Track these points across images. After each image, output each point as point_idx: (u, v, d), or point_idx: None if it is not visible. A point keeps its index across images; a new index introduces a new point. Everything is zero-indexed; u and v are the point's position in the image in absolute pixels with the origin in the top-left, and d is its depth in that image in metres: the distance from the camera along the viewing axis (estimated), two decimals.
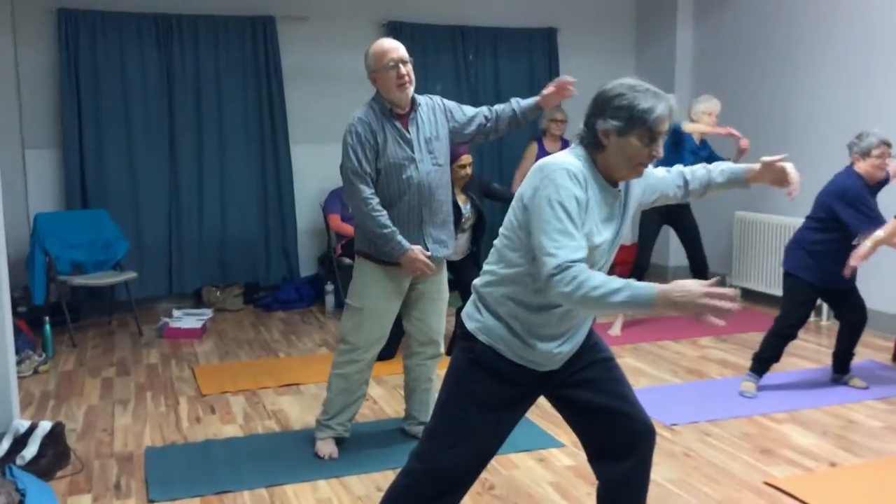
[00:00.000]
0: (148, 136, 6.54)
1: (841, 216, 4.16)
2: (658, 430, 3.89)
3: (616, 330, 5.76)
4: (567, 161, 2.11)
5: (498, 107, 3.59)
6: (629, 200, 2.28)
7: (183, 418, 4.19)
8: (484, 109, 3.59)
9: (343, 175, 3.45)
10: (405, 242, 3.37)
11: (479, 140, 3.66)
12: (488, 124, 3.57)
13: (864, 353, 5.15)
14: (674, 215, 5.84)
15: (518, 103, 3.58)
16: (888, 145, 4.19)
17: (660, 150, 2.13)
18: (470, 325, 2.27)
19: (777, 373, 4.76)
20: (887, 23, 5.54)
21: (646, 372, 4.90)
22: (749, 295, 6.76)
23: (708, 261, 6.05)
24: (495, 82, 7.49)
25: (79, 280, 5.85)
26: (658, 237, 5.94)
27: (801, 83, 6.27)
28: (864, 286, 4.84)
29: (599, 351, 2.40)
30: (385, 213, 3.37)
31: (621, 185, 2.23)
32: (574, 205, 2.03)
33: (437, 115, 3.52)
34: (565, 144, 6.92)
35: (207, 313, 6.22)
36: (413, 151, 3.40)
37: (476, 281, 2.32)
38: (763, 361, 4.43)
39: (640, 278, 5.80)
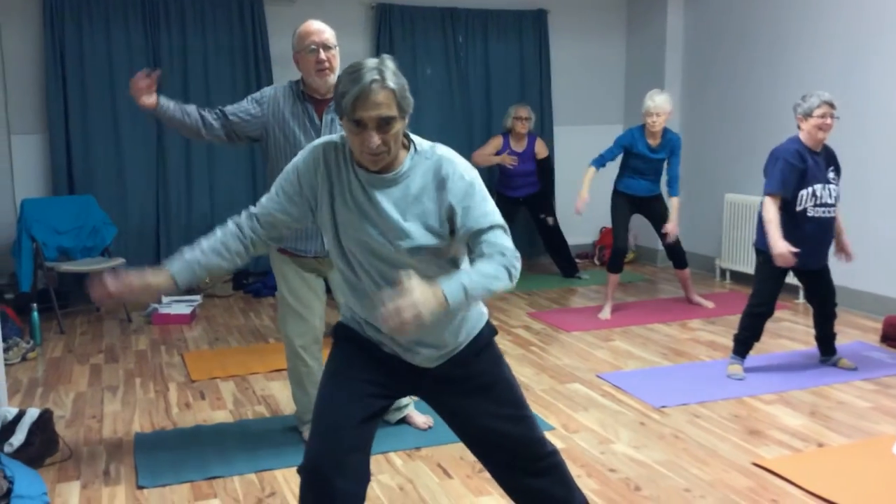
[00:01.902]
0: (135, 121, 6.48)
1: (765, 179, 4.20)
2: (647, 412, 3.93)
3: (606, 314, 5.76)
4: (332, 137, 2.17)
5: None
6: (395, 196, 2.07)
7: (172, 404, 4.18)
8: None
9: None
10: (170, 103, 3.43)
11: None
12: None
13: (853, 335, 5.17)
14: (643, 205, 5.85)
15: None
16: (831, 106, 4.16)
17: (371, 141, 1.94)
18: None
19: (765, 354, 4.77)
20: (877, 5, 5.53)
21: (635, 354, 4.91)
22: (738, 277, 6.77)
23: (696, 244, 6.06)
24: (485, 64, 7.46)
25: (66, 266, 5.81)
26: (645, 222, 5.95)
27: (791, 66, 6.26)
28: (851, 267, 4.85)
29: (479, 375, 2.23)
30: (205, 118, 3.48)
31: (399, 176, 2.06)
32: (289, 170, 2.19)
33: None
34: (532, 141, 6.88)
35: (197, 299, 6.20)
36: (320, 135, 3.30)
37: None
38: (742, 343, 4.43)
39: (620, 260, 5.82)
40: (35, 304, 5.36)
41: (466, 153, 6.04)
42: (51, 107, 6.25)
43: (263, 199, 2.23)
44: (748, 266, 6.58)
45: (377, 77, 1.94)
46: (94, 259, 6.00)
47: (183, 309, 5.91)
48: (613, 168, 5.90)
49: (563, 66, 7.77)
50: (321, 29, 3.34)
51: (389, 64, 2.00)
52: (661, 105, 5.53)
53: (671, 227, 5.71)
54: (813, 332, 4.63)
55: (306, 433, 3.61)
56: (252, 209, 2.25)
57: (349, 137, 2.02)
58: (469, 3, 7.34)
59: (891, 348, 4.92)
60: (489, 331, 2.28)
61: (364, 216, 2.09)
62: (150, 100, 3.33)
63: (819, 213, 4.20)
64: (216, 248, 2.23)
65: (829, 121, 4.16)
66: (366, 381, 2.17)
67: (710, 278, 7.01)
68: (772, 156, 4.26)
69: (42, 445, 3.46)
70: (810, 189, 4.16)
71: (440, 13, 7.26)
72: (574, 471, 3.27)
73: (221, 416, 3.99)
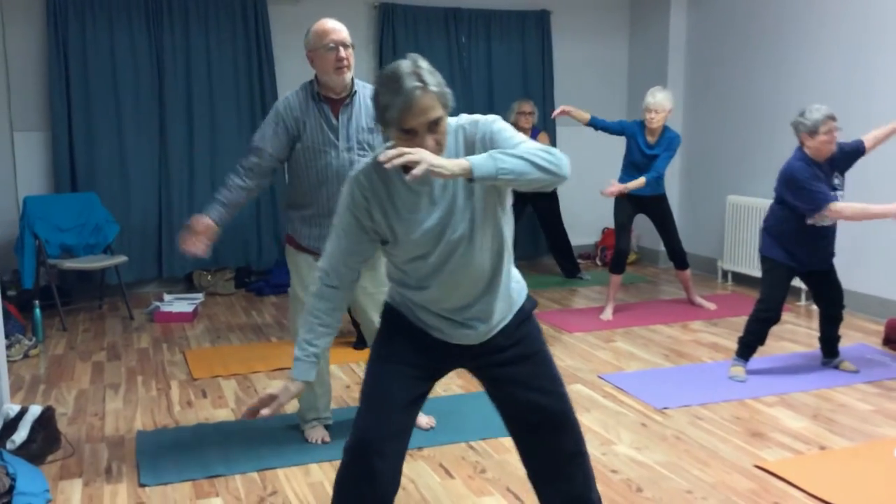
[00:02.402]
0: (138, 119, 6.49)
1: (790, 201, 4.18)
2: (649, 413, 3.93)
3: (608, 314, 5.76)
4: (363, 165, 2.16)
5: None
6: (458, 186, 2.12)
7: (174, 402, 4.18)
8: None
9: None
10: (213, 212, 3.33)
11: None
12: None
13: (855, 337, 5.17)
14: (645, 205, 5.84)
15: None
16: (833, 119, 4.14)
17: (427, 143, 1.97)
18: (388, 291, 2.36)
19: (767, 356, 4.77)
20: (881, 5, 5.53)
21: (637, 356, 4.91)
22: (741, 279, 6.77)
23: (697, 246, 6.06)
24: (488, 65, 7.46)
25: (69, 264, 5.82)
26: (647, 224, 5.94)
27: (794, 67, 6.25)
28: (854, 270, 4.86)
29: (529, 344, 2.31)
30: (239, 185, 3.36)
31: None
32: (347, 212, 2.16)
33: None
34: (535, 134, 6.87)
35: (199, 297, 6.20)
36: (338, 139, 3.33)
37: None
38: (746, 346, 4.44)
39: (623, 261, 5.82)
40: (37, 302, 5.36)
41: None
42: (54, 104, 6.25)
43: (326, 262, 2.22)
44: (750, 268, 6.58)
45: (418, 84, 1.96)
46: (97, 256, 6.00)
47: (185, 307, 5.91)
48: (616, 168, 5.90)
49: (566, 66, 7.76)
50: (339, 27, 3.35)
51: (423, 64, 2.01)
52: (660, 102, 5.53)
53: (614, 188, 5.51)
54: (816, 333, 4.63)
55: (308, 432, 3.62)
56: (322, 279, 2.22)
57: (399, 144, 2.01)
58: (472, 4, 7.34)
59: (893, 351, 4.91)
60: (530, 303, 2.37)
61: (425, 211, 2.12)
62: (205, 244, 3.35)
63: (826, 222, 4.23)
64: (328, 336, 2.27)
65: (834, 134, 4.15)
66: (412, 365, 2.25)
67: (712, 280, 7.00)
68: (789, 180, 4.17)
69: (44, 443, 3.46)
70: None
71: (443, 13, 7.26)
72: None
73: (223, 415, 4.00)
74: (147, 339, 5.39)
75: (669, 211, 5.87)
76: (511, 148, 2.03)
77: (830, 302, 4.47)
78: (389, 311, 2.34)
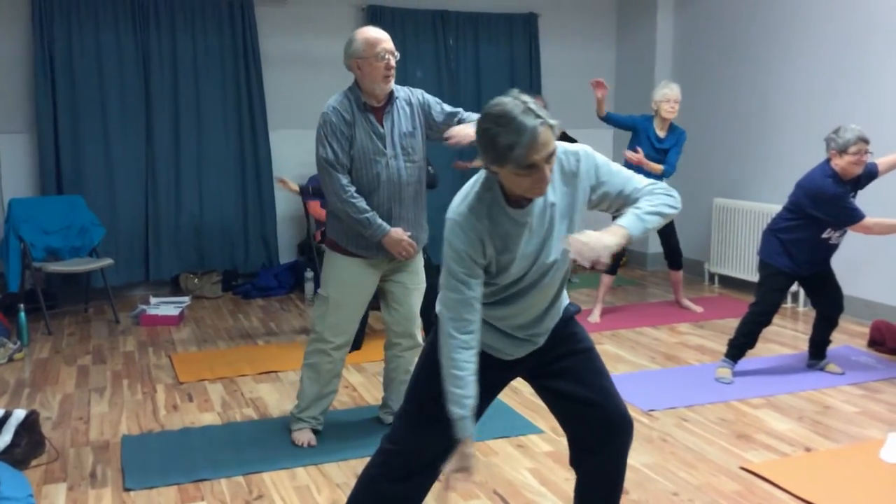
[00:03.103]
0: (124, 121, 6.46)
1: (816, 214, 4.19)
2: (636, 415, 3.92)
3: (595, 317, 5.77)
4: (461, 210, 2.13)
5: (466, 114, 3.55)
6: (556, 208, 2.19)
7: (160, 406, 4.16)
8: (461, 111, 3.56)
9: (318, 165, 3.37)
10: (385, 225, 3.35)
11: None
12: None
13: (841, 339, 5.19)
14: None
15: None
16: (866, 142, 4.15)
17: (546, 175, 2.01)
18: (438, 308, 2.30)
19: (753, 358, 4.79)
20: (866, 10, 5.56)
21: (625, 358, 4.92)
22: (727, 281, 6.80)
23: (685, 248, 6.08)
24: (476, 68, 7.46)
25: (54, 267, 5.78)
26: None
27: (780, 71, 6.29)
28: (839, 273, 4.86)
29: (578, 341, 2.41)
30: (362, 198, 3.34)
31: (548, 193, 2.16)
32: (458, 258, 2.12)
33: (413, 108, 3.46)
34: None
35: (185, 300, 6.18)
36: (385, 147, 3.35)
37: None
38: (738, 348, 4.46)
39: (617, 264, 5.83)
40: (22, 305, 5.33)
41: (455, 156, 6.05)
42: (39, 106, 6.21)
43: (453, 312, 2.16)
44: (737, 270, 6.61)
45: (539, 119, 1.97)
46: (82, 259, 5.97)
47: (171, 310, 5.89)
48: None
49: (553, 70, 7.78)
50: (387, 37, 3.35)
51: (528, 99, 2.02)
52: (678, 92, 5.63)
53: (640, 156, 5.50)
54: (802, 336, 4.65)
55: (296, 434, 3.62)
56: (459, 329, 2.16)
57: (513, 181, 2.03)
58: (460, 6, 7.35)
59: (878, 353, 4.94)
60: (573, 307, 2.49)
61: (526, 240, 2.16)
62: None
63: (838, 240, 4.30)
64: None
65: (864, 157, 4.16)
66: (486, 401, 2.32)
67: (699, 282, 7.03)
68: (818, 195, 4.16)
69: (28, 447, 3.43)
70: None
71: (431, 16, 7.26)
72: (563, 473, 3.29)
73: (209, 419, 3.98)
74: (133, 343, 5.36)
75: None
76: (623, 184, 2.22)
77: (830, 303, 4.48)
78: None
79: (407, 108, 3.45)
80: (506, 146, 1.97)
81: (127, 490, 3.20)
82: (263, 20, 6.79)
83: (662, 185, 2.25)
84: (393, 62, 3.32)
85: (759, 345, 4.98)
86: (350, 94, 3.38)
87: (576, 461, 2.45)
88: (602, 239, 2.06)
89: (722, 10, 6.88)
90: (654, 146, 5.68)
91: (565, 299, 2.43)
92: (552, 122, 2.01)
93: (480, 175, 2.17)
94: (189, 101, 6.65)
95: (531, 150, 1.96)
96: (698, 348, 5.12)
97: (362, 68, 3.32)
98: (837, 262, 5.70)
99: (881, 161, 4.40)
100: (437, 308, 2.25)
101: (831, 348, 4.78)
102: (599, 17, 7.93)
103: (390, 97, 3.41)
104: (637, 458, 3.46)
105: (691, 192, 7.18)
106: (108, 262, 5.96)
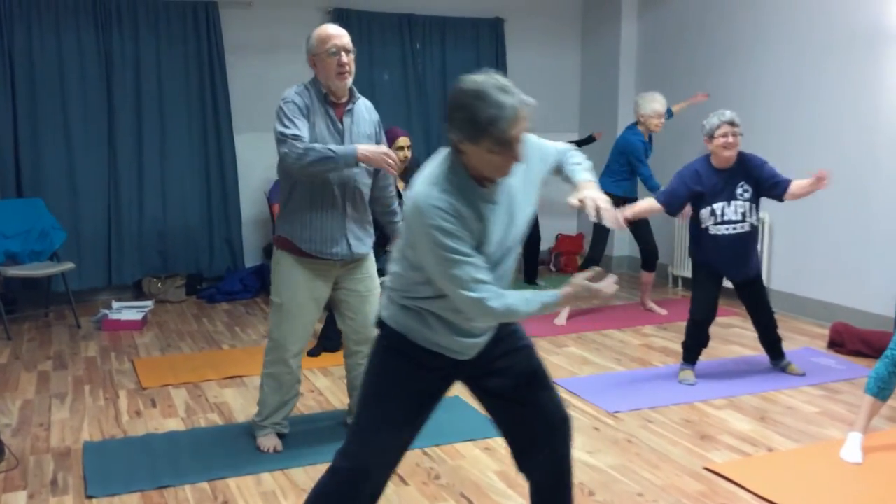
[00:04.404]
0: (86, 124, 6.37)
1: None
2: (601, 417, 3.96)
3: (562, 319, 5.81)
4: (434, 194, 2.05)
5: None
6: (515, 186, 2.19)
7: (122, 412, 4.10)
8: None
9: (279, 139, 3.23)
10: (350, 145, 3.24)
11: None
12: None
13: (801, 341, 5.28)
14: (625, 207, 5.89)
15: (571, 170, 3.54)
16: (732, 124, 4.23)
17: (518, 154, 2.02)
18: (383, 314, 2.28)
19: (715, 360, 4.85)
20: (826, 14, 5.67)
21: (590, 360, 4.95)
22: (690, 284, 6.86)
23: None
24: (442, 72, 7.48)
25: (13, 271, 5.68)
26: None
27: (744, 76, 6.38)
28: (798, 275, 4.96)
29: (519, 339, 2.39)
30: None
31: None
32: (454, 238, 2.04)
33: (372, 117, 3.48)
34: None
35: (148, 305, 6.10)
36: (343, 141, 3.32)
37: (385, 279, 2.32)
38: (689, 349, 4.51)
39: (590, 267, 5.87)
40: None
41: (424, 158, 6.05)
42: None
43: (477, 271, 2.07)
44: None
45: (517, 97, 1.98)
46: (43, 263, 5.87)
47: (134, 315, 5.81)
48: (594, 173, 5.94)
49: (519, 74, 7.79)
50: (341, 33, 3.33)
51: (501, 76, 2.03)
52: (664, 103, 5.76)
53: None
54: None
55: (261, 440, 3.59)
56: (483, 281, 2.07)
57: (484, 159, 2.01)
58: (426, 10, 7.36)
59: (838, 354, 5.03)
60: None
61: (496, 220, 2.14)
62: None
63: (721, 230, 4.28)
64: None
65: (731, 139, 4.21)
66: (421, 395, 2.27)
67: (664, 285, 7.10)
68: (677, 171, 4.40)
69: None
70: (709, 208, 4.28)
71: (398, 19, 7.26)
72: None
73: (173, 424, 3.93)
74: (94, 348, 5.28)
75: None
76: (556, 152, 2.39)
77: (754, 309, 4.54)
78: (392, 334, 2.26)
79: (366, 115, 3.45)
80: (487, 120, 1.95)
81: (89, 497, 3.15)
82: (228, 23, 6.74)
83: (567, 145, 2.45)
84: (346, 59, 3.28)
85: (720, 347, 5.06)
86: (311, 86, 3.36)
87: (522, 466, 2.44)
88: (600, 195, 2.23)
89: (685, 16, 6.97)
90: (648, 151, 5.79)
91: None
92: (530, 101, 2.02)
93: (440, 159, 2.13)
94: (152, 104, 6.57)
95: (512, 125, 1.96)
96: (662, 350, 5.17)
97: (317, 65, 3.32)
98: (796, 264, 5.81)
99: (797, 182, 4.29)
100: (462, 298, 2.07)
101: (791, 350, 4.85)
102: (565, 22, 7.99)
103: (351, 97, 3.39)
104: (602, 460, 3.49)
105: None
106: (69, 266, 5.87)
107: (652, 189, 5.57)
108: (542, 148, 2.32)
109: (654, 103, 5.72)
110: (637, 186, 5.92)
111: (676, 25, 7.07)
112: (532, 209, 2.26)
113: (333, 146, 3.22)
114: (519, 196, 2.20)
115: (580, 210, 2.26)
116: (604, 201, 2.23)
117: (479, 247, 2.11)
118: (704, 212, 4.29)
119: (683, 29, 6.99)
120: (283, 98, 3.31)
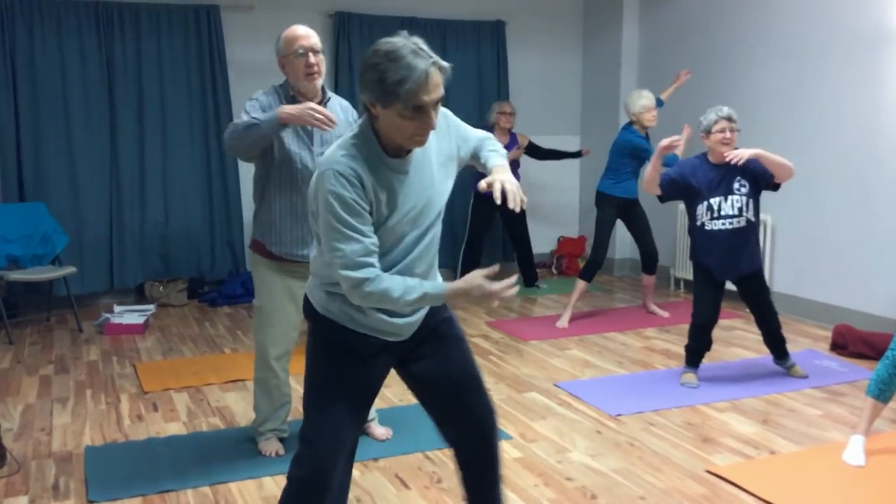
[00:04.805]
0: (88, 128, 6.38)
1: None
2: (603, 420, 3.96)
3: (564, 322, 5.80)
4: (337, 158, 2.02)
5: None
6: (430, 160, 2.17)
7: (124, 416, 4.10)
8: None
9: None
10: (273, 112, 3.17)
11: None
12: None
13: (804, 343, 5.27)
14: (628, 209, 5.90)
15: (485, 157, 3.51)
16: (729, 120, 4.26)
17: (432, 121, 1.98)
18: (312, 302, 2.26)
19: (718, 363, 4.84)
20: (826, 14, 5.67)
21: (592, 363, 4.95)
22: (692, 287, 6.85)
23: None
24: None
25: (15, 275, 5.68)
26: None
27: (745, 77, 6.38)
28: (801, 277, 4.95)
29: (451, 327, 2.38)
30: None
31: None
32: (349, 209, 2.00)
33: (347, 117, 3.45)
34: (513, 137, 6.97)
35: (150, 309, 6.10)
36: (312, 143, 3.31)
37: (311, 259, 2.31)
38: (691, 353, 4.50)
39: (593, 275, 5.85)
40: None
41: None
42: (1, 113, 6.11)
43: (364, 250, 2.03)
44: None
45: (432, 59, 1.95)
46: (44, 267, 5.88)
47: (135, 318, 5.81)
48: (573, 177, 5.94)
49: (521, 76, 7.83)
50: (308, 34, 3.32)
51: (419, 40, 1.99)
52: (653, 99, 5.76)
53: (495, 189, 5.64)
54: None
55: (262, 444, 3.58)
56: (366, 264, 2.04)
57: (397, 125, 1.98)
58: (428, 13, 7.37)
59: (840, 356, 5.02)
60: None
61: (406, 191, 2.10)
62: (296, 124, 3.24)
63: (717, 225, 4.27)
64: None
65: (728, 135, 4.23)
66: (359, 381, 2.22)
67: (665, 287, 7.10)
68: (677, 163, 4.44)
69: None
70: (705, 203, 4.27)
71: (399, 22, 7.26)
72: (531, 479, 3.30)
73: (175, 429, 3.93)
74: (96, 352, 5.28)
75: (645, 214, 5.98)
76: (475, 137, 2.37)
77: (756, 308, 4.51)
78: (323, 324, 2.23)
79: (341, 114, 3.41)
80: (395, 81, 1.92)
81: (91, 502, 3.14)
82: (230, 26, 6.75)
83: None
84: (313, 59, 3.26)
85: (722, 349, 5.05)
86: (280, 88, 3.37)
87: (447, 442, 2.44)
88: (510, 178, 2.17)
89: (686, 18, 6.97)
90: (650, 151, 5.78)
91: (439, 276, 2.37)
92: (444, 63, 1.98)
93: (354, 127, 2.12)
94: (154, 108, 6.58)
95: (422, 88, 1.92)
96: (665, 353, 5.16)
97: (285, 66, 3.32)
98: (799, 266, 5.81)
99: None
100: (340, 274, 2.04)
101: (794, 352, 4.84)
102: (566, 24, 7.99)
103: (324, 96, 3.37)
104: (604, 463, 3.48)
105: (656, 198, 7.25)
106: (70, 270, 5.87)
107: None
108: (463, 128, 2.33)
109: (642, 99, 5.73)
110: (637, 187, 5.90)
111: (677, 27, 7.07)
112: (448, 186, 2.23)
113: (257, 116, 3.20)
114: (435, 171, 2.17)
115: (490, 192, 2.17)
116: (510, 184, 2.16)
117: (386, 218, 2.07)
118: (700, 207, 4.29)
119: (685, 30, 6.98)
120: (250, 97, 3.34)
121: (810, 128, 5.78)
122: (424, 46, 1.97)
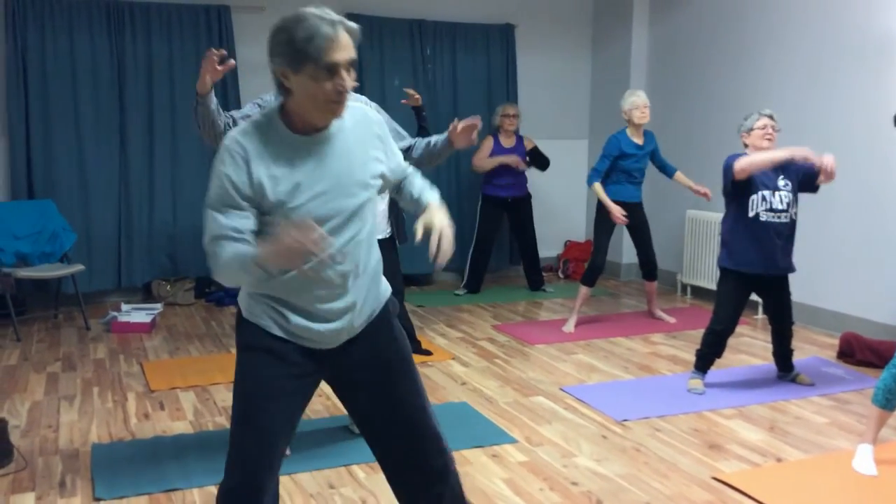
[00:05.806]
0: (97, 126, 6.40)
1: (726, 187, 4.28)
2: (609, 425, 3.95)
3: (570, 327, 5.80)
4: (233, 133, 2.00)
5: (418, 139, 3.57)
6: (349, 147, 2.07)
7: (131, 414, 4.11)
8: (408, 138, 3.60)
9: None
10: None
11: None
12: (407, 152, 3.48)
13: (811, 351, 5.26)
14: (629, 214, 5.88)
15: (436, 138, 3.52)
16: (771, 118, 4.33)
17: (347, 85, 1.91)
18: (239, 304, 2.18)
19: (725, 369, 4.84)
20: (837, 22, 5.66)
21: (598, 368, 4.94)
22: (700, 293, 6.86)
23: (658, 259, 6.13)
24: (453, 77, 7.48)
25: (24, 272, 5.70)
26: (612, 235, 5.97)
27: (755, 81, 6.37)
28: (809, 284, 4.94)
29: (397, 350, 2.23)
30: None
31: (335, 129, 2.04)
32: (223, 186, 1.98)
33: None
34: (520, 140, 6.98)
35: (157, 307, 6.12)
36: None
37: None
38: (703, 358, 4.48)
39: (597, 276, 5.85)
40: None
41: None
42: (11, 110, 6.14)
43: (227, 226, 2.01)
44: (709, 282, 6.67)
45: (337, 19, 1.92)
46: (53, 265, 5.89)
47: (143, 317, 5.83)
48: (579, 181, 5.94)
49: (530, 80, 7.82)
50: None
51: (330, 10, 1.95)
52: (645, 97, 5.72)
53: (703, 189, 5.78)
54: (772, 347, 4.68)
55: None
56: (225, 237, 2.02)
57: (310, 90, 1.92)
58: (437, 16, 7.37)
59: (847, 364, 5.01)
60: (393, 304, 2.30)
61: (316, 176, 2.01)
62: (210, 82, 3.44)
63: (771, 217, 4.27)
64: None
65: (770, 131, 4.29)
66: (288, 394, 2.13)
67: (672, 293, 7.09)
68: (724, 166, 4.34)
69: None
70: (760, 194, 4.25)
71: (408, 25, 7.27)
72: (536, 483, 3.30)
73: (181, 427, 3.94)
74: (103, 350, 5.30)
75: (646, 219, 5.96)
76: (399, 156, 2.29)
77: (778, 314, 4.51)
78: (248, 328, 2.14)
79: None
80: (304, 38, 1.87)
81: (97, 500, 3.15)
82: (241, 27, 6.76)
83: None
84: None
85: (730, 356, 5.04)
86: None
87: (396, 496, 2.32)
88: (447, 225, 2.13)
89: (696, 22, 6.96)
90: (639, 154, 5.75)
91: (384, 284, 2.24)
92: (352, 25, 1.94)
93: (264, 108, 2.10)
94: (164, 107, 6.60)
95: (333, 44, 1.88)
96: (671, 358, 5.16)
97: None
98: (807, 274, 5.78)
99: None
100: (205, 246, 2.04)
101: (801, 359, 4.83)
102: (576, 28, 7.99)
103: None
104: (610, 468, 3.48)
105: (665, 203, 7.25)
106: (78, 267, 5.89)
107: (589, 183, 5.72)
108: (392, 134, 2.28)
109: (632, 96, 5.72)
110: (641, 192, 5.87)
111: (687, 31, 7.06)
112: (371, 184, 2.10)
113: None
114: (356, 160, 2.07)
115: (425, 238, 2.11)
116: (447, 231, 2.11)
117: (285, 197, 1.98)
118: (755, 197, 4.24)
119: (695, 34, 6.98)
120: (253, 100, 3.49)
121: (820, 134, 5.77)
122: (335, 16, 1.94)
